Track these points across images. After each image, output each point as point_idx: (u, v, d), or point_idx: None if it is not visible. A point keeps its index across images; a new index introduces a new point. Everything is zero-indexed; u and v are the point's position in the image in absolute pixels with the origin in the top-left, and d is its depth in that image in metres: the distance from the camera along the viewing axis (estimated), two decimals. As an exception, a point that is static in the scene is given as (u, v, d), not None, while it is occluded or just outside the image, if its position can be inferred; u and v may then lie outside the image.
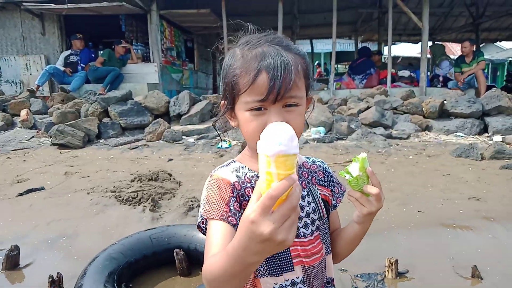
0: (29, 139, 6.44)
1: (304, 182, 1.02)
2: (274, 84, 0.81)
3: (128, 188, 3.99)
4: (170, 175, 4.37)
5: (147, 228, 2.72)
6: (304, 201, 0.99)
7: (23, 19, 9.29)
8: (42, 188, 4.10)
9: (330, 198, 1.06)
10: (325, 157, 5.34)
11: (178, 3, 9.38)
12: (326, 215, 1.02)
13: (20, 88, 9.21)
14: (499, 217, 3.19)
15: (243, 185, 0.92)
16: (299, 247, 0.94)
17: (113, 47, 8.88)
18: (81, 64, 8.79)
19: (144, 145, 6.03)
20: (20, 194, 3.91)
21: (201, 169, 4.82)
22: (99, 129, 6.38)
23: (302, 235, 0.96)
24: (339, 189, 1.09)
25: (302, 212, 0.97)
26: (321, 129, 6.40)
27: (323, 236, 1.01)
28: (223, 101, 0.96)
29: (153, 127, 6.41)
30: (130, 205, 3.57)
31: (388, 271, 2.38)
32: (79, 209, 3.52)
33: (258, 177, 0.85)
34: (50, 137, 6.03)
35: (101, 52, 9.21)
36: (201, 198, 0.93)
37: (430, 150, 5.62)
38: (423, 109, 6.84)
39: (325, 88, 9.66)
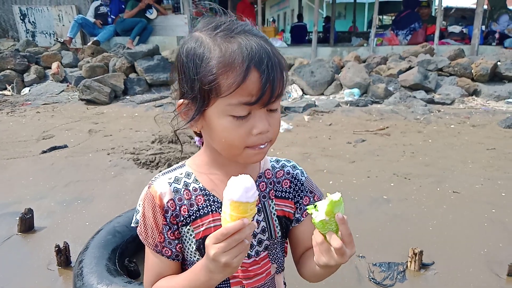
0: (59, 93, 6.50)
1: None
2: (269, 85, 0.71)
3: (147, 150, 3.93)
4: (191, 137, 4.24)
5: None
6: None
7: (54, -33, 9.15)
8: (65, 146, 4.12)
9: (293, 212, 0.92)
10: (357, 122, 5.00)
11: None
12: (279, 234, 0.92)
13: (54, 39, 9.24)
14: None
15: (179, 203, 0.83)
16: (238, 268, 0.82)
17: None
18: (112, 16, 8.61)
19: (170, 103, 5.91)
20: (44, 152, 3.95)
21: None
22: (126, 85, 6.30)
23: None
24: (311, 199, 0.93)
25: None
26: (356, 91, 5.97)
27: (274, 256, 0.92)
28: (184, 101, 0.78)
29: (179, 84, 6.24)
30: (147, 169, 3.51)
31: (411, 262, 2.16)
32: (97, 171, 3.51)
33: (202, 190, 0.84)
34: (78, 92, 6.04)
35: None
36: (138, 204, 0.88)
37: (475, 118, 5.10)
38: (472, 71, 6.15)
39: (365, 44, 8.96)
